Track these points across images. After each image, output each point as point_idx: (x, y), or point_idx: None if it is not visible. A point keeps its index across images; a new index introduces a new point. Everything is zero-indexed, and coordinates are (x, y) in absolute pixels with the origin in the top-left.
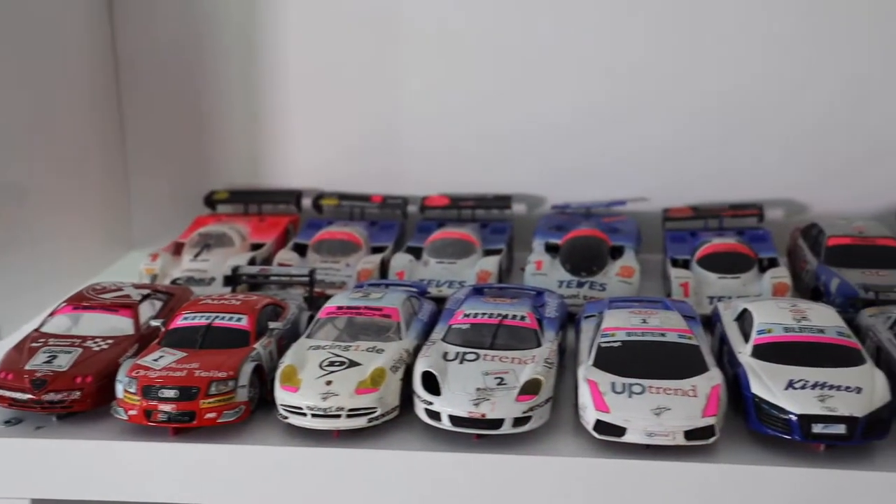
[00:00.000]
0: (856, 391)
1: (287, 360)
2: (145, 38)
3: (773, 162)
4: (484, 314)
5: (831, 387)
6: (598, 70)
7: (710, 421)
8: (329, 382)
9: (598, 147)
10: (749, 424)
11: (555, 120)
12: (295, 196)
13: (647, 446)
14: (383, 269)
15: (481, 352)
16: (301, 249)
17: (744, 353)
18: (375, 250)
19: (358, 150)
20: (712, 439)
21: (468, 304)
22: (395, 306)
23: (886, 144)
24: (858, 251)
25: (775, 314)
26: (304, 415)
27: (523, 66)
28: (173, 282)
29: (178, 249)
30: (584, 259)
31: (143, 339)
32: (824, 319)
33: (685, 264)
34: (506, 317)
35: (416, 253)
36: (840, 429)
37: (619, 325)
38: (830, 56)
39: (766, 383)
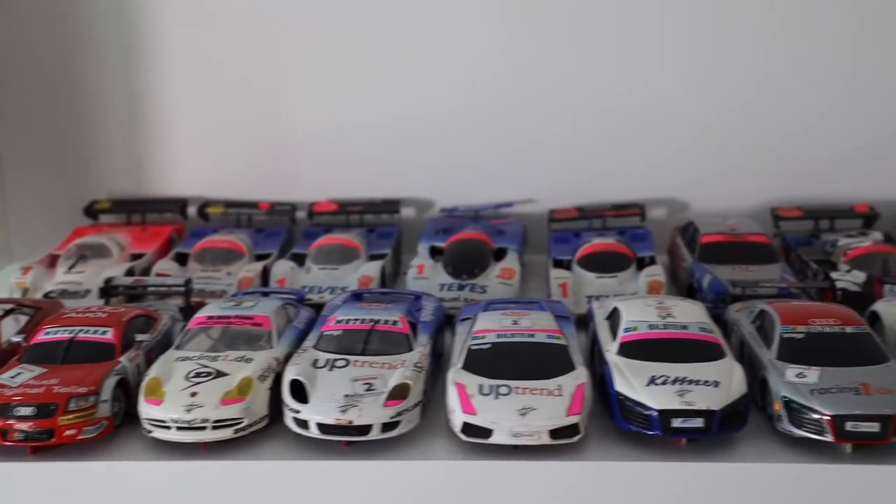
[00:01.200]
0: (713, 385)
1: (152, 372)
2: (18, 36)
3: (657, 162)
4: (356, 320)
5: (690, 381)
6: (487, 73)
7: (574, 419)
8: (194, 394)
9: (487, 150)
10: (614, 421)
11: (444, 123)
12: (180, 204)
13: (515, 447)
14: (266, 276)
15: (352, 358)
16: (183, 259)
17: (611, 351)
18: (260, 258)
19: (246, 157)
20: (577, 437)
21: (342, 311)
22: (266, 314)
23: (763, 144)
24: (730, 248)
25: (642, 312)
26: (169, 428)
27: (413, 69)
28: (46, 295)
29: (53, 262)
30: (466, 262)
31: (3, 356)
32: (688, 316)
33: (567, 265)
34: (378, 322)
35: (302, 259)
36: (698, 422)
37: (490, 327)
38: (712, 60)
39: (630, 380)
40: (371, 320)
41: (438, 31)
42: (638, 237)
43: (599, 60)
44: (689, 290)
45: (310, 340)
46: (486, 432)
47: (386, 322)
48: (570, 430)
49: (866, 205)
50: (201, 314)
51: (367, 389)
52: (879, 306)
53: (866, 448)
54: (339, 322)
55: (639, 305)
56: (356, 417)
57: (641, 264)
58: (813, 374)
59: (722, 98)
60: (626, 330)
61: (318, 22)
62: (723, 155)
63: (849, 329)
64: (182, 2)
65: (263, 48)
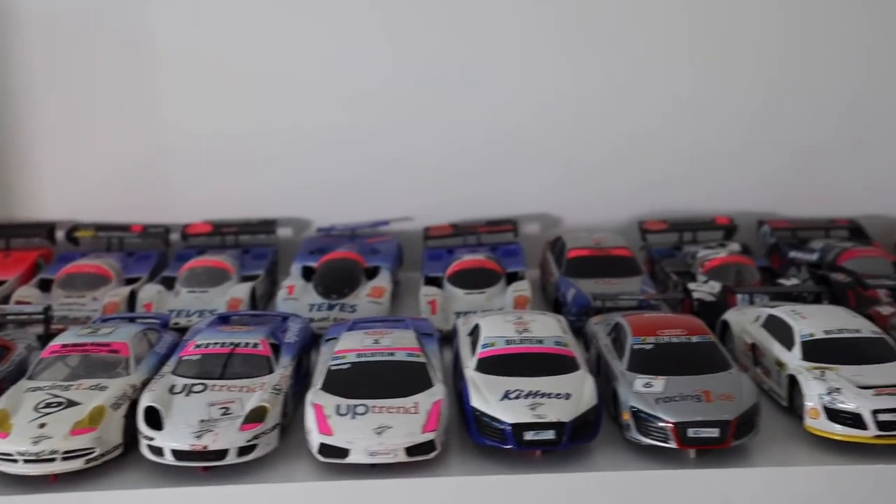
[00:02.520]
0: (565, 397)
1: (0, 404)
2: None
3: (531, 179)
4: (216, 344)
5: (543, 395)
6: (363, 90)
7: (430, 436)
8: (43, 425)
9: (364, 168)
10: (471, 436)
11: (320, 141)
12: (47, 229)
13: (373, 465)
14: (133, 301)
15: (210, 382)
16: (47, 285)
17: (469, 367)
18: (129, 282)
19: (118, 180)
20: (433, 454)
21: (202, 335)
22: (124, 341)
23: (629, 159)
24: (595, 262)
25: (500, 328)
26: (16, 461)
27: (288, 86)
28: None
29: None
30: (336, 281)
31: None
32: (545, 330)
33: (439, 282)
34: (238, 345)
35: (172, 283)
36: (549, 434)
37: (351, 347)
38: (581, 82)
39: (485, 395)
40: (231, 343)
41: (313, 47)
42: (509, 253)
43: (476, 80)
44: (555, 304)
45: (168, 366)
46: (343, 452)
47: (246, 345)
48: (426, 447)
49: (727, 217)
50: (56, 342)
51: (224, 414)
52: (730, 315)
53: (709, 452)
54: (198, 346)
55: (498, 321)
56: (211, 442)
57: (514, 279)
58: (659, 384)
59: (593, 117)
60: (485, 346)
61: (187, 40)
62: (593, 171)
63: (694, 339)
64: (46, 21)
65: (131, 68)
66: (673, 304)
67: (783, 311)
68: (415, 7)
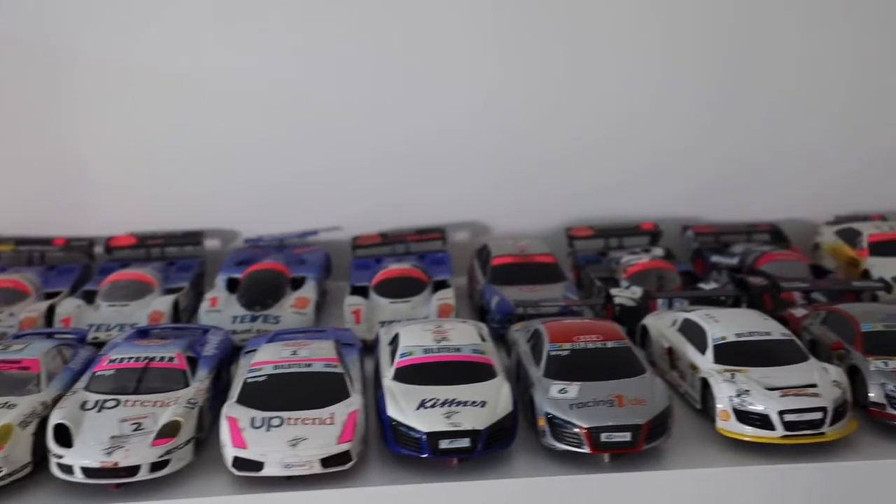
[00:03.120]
0: (480, 405)
1: None
2: None
3: (461, 186)
4: (130, 358)
5: (459, 403)
6: (290, 98)
7: (345, 447)
8: None
9: (293, 178)
10: (387, 446)
11: (248, 152)
12: None
13: (289, 478)
14: (51, 316)
15: (123, 398)
16: None
17: (387, 376)
18: (49, 296)
19: (39, 193)
20: (349, 465)
21: (117, 349)
22: (35, 357)
23: (558, 166)
24: (519, 269)
25: (419, 337)
26: None
27: (212, 95)
28: None
29: None
30: (259, 293)
31: None
32: (463, 339)
33: (366, 291)
34: (153, 359)
35: (93, 297)
36: (465, 442)
37: (268, 359)
38: (504, 90)
39: (401, 405)
40: (146, 358)
41: (236, 55)
42: (437, 261)
43: (404, 86)
44: (481, 312)
45: (81, 382)
46: (258, 465)
47: (162, 359)
48: (342, 458)
49: (652, 223)
50: None
51: (136, 429)
52: (648, 320)
53: (622, 456)
54: (112, 361)
55: (417, 330)
56: (122, 459)
57: (441, 288)
58: (573, 390)
59: (523, 124)
60: (402, 355)
61: (104, 51)
62: (523, 178)
63: (610, 344)
64: None
65: (49, 79)
66: (596, 310)
67: (698, 315)
68: (337, 11)
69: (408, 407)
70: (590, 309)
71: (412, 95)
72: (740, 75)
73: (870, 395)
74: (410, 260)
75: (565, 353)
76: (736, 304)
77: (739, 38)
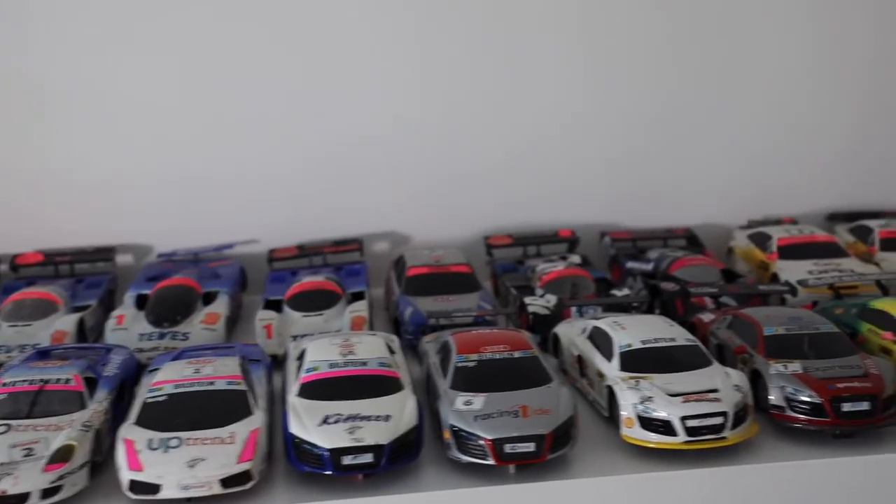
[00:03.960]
0: (384, 419)
1: None
2: None
3: (378, 196)
4: (24, 381)
5: (363, 418)
6: (203, 111)
7: (245, 466)
8: None
9: (207, 189)
10: (291, 464)
11: (159, 164)
12: None
13: (188, 499)
14: None
15: (15, 422)
16: None
17: (292, 392)
18: None
19: None
20: (250, 484)
21: (10, 372)
22: None
23: (476, 175)
24: (434, 279)
25: (325, 351)
26: None
27: (122, 108)
28: None
29: None
30: (167, 309)
31: None
32: (370, 352)
33: (280, 305)
34: (48, 381)
35: None
36: (368, 458)
37: (170, 377)
38: (422, 95)
39: (304, 421)
40: (41, 380)
41: (146, 67)
42: (353, 272)
43: (320, 99)
44: (395, 323)
45: None
46: (154, 488)
47: (58, 381)
48: (242, 478)
49: (569, 230)
50: None
51: (27, 455)
52: (560, 328)
53: (529, 467)
54: (4, 385)
55: (324, 345)
56: (11, 486)
57: (358, 299)
58: (479, 401)
59: (440, 134)
60: (308, 370)
61: (10, 66)
62: (441, 188)
63: (517, 354)
64: None
65: None
66: (511, 319)
67: (605, 323)
68: (251, 22)
69: (310, 423)
70: (505, 318)
71: (329, 105)
72: (654, 85)
73: (770, 398)
74: (326, 272)
75: (472, 364)
76: (650, 309)
77: (651, 49)
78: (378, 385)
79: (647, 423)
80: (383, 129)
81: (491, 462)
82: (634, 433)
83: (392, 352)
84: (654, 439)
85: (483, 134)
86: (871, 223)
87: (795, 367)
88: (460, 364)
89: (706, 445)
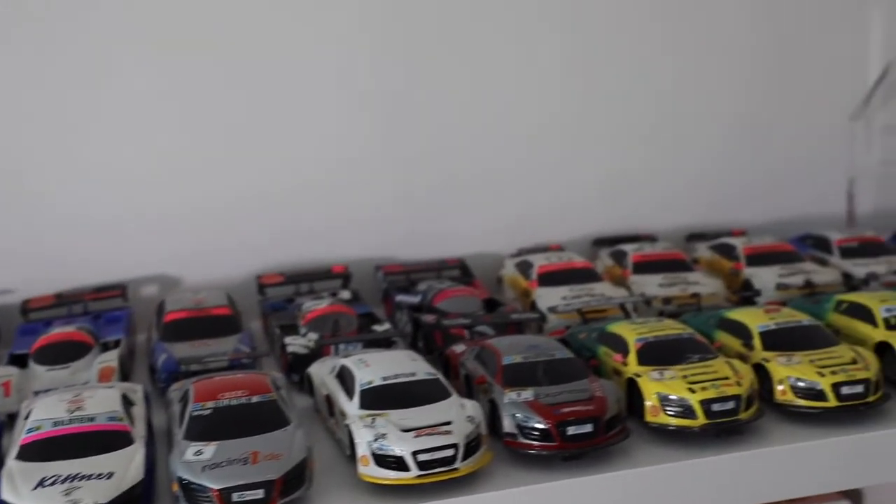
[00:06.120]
0: (106, 477)
1: None
2: None
3: (149, 240)
4: None
5: (82, 477)
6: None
7: None
8: None
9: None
10: None
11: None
12: None
13: None
14: None
15: None
16: None
17: (11, 456)
18: None
19: None
20: None
21: None
22: None
23: (250, 214)
24: (192, 323)
25: (51, 409)
26: None
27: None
28: None
29: None
30: None
31: None
32: (100, 406)
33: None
34: None
35: None
36: None
37: None
38: (195, 134)
39: (17, 487)
40: None
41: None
42: (113, 320)
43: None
44: (150, 371)
45: None
46: None
47: None
48: None
49: (343, 265)
50: None
51: None
52: (313, 368)
53: None
54: None
55: (51, 402)
56: None
57: (112, 348)
58: (210, 450)
59: (210, 171)
60: (28, 431)
61: None
62: (212, 227)
63: (255, 399)
64: None
65: None
66: (275, 359)
67: (351, 361)
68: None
69: (25, 488)
70: (275, 357)
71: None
72: (418, 107)
73: (503, 426)
74: (81, 321)
75: (208, 411)
76: (413, 343)
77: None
78: (105, 441)
79: (382, 461)
80: (143, 174)
81: None
82: (370, 471)
83: (132, 403)
84: (389, 476)
85: (258, 170)
86: (627, 247)
87: (528, 394)
88: (195, 413)
89: (438, 478)
